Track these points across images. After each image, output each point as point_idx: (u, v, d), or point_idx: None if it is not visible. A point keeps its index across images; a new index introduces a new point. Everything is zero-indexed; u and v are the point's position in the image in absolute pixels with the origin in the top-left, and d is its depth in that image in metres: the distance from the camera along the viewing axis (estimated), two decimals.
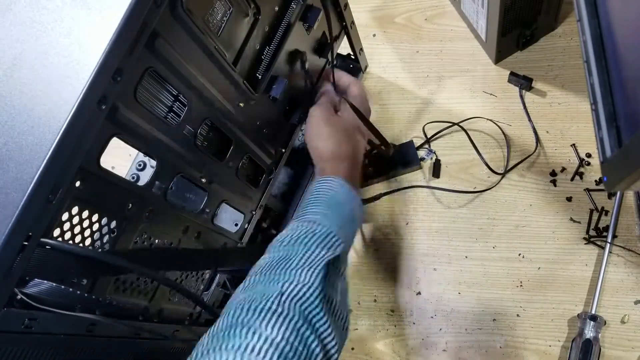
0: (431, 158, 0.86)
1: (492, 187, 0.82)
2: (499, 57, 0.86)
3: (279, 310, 0.48)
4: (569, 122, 0.82)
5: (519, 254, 0.79)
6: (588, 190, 0.79)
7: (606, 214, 0.77)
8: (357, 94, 0.74)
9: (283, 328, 0.47)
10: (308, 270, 0.52)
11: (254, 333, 0.45)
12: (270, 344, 0.45)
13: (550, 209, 0.79)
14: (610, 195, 0.78)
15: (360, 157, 0.72)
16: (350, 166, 0.68)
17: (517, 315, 0.76)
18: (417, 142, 0.86)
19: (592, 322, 0.71)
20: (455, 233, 0.81)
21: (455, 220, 0.82)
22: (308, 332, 0.48)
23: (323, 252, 0.54)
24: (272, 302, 0.48)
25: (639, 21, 0.46)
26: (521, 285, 0.77)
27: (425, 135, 0.86)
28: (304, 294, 0.50)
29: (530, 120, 0.83)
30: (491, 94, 0.86)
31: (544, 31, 0.86)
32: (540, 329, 0.75)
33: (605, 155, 0.48)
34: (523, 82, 0.83)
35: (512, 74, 0.84)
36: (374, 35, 0.95)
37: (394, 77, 0.91)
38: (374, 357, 0.80)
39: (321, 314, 0.50)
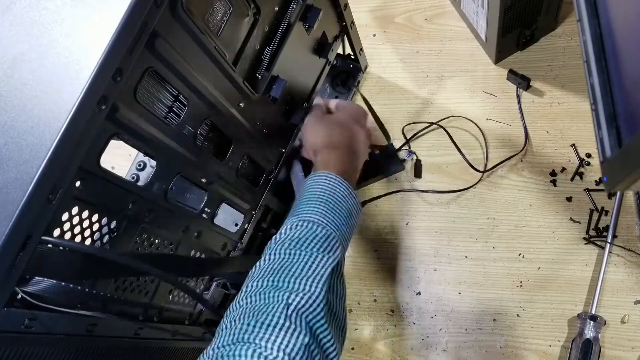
0: (412, 159, 0.86)
1: (474, 185, 0.82)
2: (499, 57, 0.86)
3: (286, 325, 0.47)
4: (569, 122, 0.82)
5: (519, 254, 0.79)
6: (588, 190, 0.79)
7: (606, 214, 0.77)
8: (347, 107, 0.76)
9: (290, 346, 0.46)
10: (313, 280, 0.51)
11: (259, 355, 0.45)
12: None
13: (550, 209, 0.79)
14: (610, 195, 0.78)
15: (358, 147, 0.70)
16: (345, 155, 0.67)
17: (517, 315, 0.76)
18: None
19: (592, 322, 0.71)
20: (455, 233, 0.81)
21: (455, 220, 0.82)
22: (313, 346, 0.48)
23: (325, 258, 0.54)
24: (279, 317, 0.48)
25: (639, 21, 0.46)
26: (521, 285, 0.77)
27: (405, 137, 0.87)
28: (310, 305, 0.50)
29: (522, 118, 0.83)
30: (491, 94, 0.86)
31: (544, 31, 0.86)
32: (540, 329, 0.75)
33: (605, 155, 0.48)
34: (521, 82, 0.83)
35: (511, 71, 0.84)
36: (374, 35, 0.95)
37: (394, 77, 0.91)
38: (374, 357, 0.80)
39: (325, 325, 0.50)
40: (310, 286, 0.51)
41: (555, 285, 0.76)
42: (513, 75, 0.84)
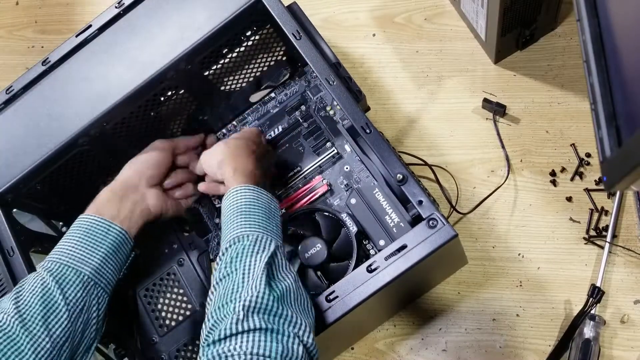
0: None
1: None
2: (499, 57, 0.86)
3: (239, 329, 0.51)
4: (569, 122, 0.82)
5: (519, 254, 0.78)
6: (588, 190, 0.79)
7: (606, 214, 0.77)
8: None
9: (250, 343, 0.50)
10: (253, 282, 0.54)
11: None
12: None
13: (550, 209, 0.79)
14: (610, 195, 0.78)
15: (247, 144, 0.71)
16: (240, 160, 0.68)
17: (517, 315, 0.76)
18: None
19: (591, 322, 0.71)
20: None
21: (455, 220, 0.82)
22: (277, 328, 0.52)
23: (259, 258, 0.57)
24: (231, 325, 0.51)
25: (639, 21, 0.46)
26: (521, 285, 0.77)
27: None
28: (259, 304, 0.53)
29: (503, 146, 0.83)
30: (491, 94, 0.86)
31: (544, 31, 0.86)
32: (540, 329, 0.75)
33: (605, 155, 0.48)
34: (497, 109, 0.83)
35: (485, 100, 0.84)
36: (374, 35, 0.95)
37: (394, 77, 0.91)
38: (373, 357, 0.80)
39: (280, 310, 0.53)
40: (253, 289, 0.54)
41: (555, 285, 0.76)
42: (488, 104, 0.84)
